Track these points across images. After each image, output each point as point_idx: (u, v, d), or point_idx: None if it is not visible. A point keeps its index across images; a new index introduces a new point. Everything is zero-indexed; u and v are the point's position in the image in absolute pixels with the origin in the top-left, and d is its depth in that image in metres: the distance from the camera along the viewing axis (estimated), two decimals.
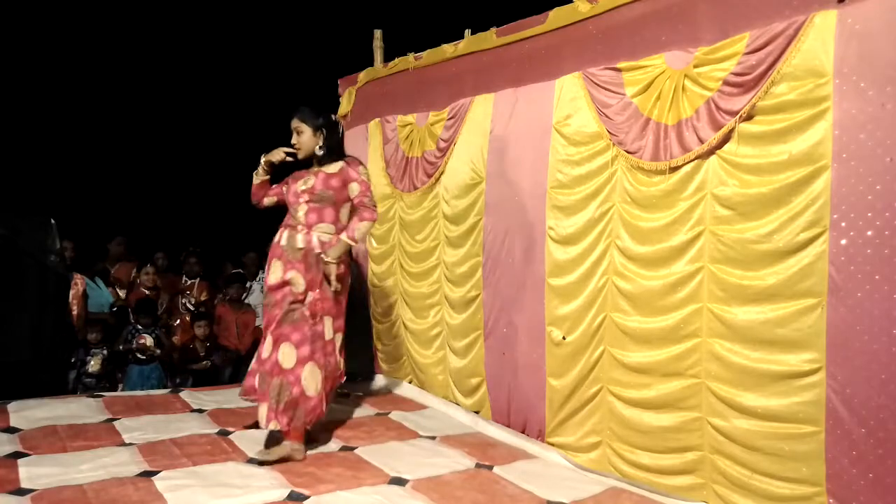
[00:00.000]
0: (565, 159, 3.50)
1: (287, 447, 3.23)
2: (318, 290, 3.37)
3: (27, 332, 4.33)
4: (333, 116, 3.58)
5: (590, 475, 3.27)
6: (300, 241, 3.38)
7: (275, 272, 3.39)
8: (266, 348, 3.36)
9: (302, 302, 3.34)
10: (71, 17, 8.28)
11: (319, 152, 3.45)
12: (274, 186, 3.64)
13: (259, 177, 3.60)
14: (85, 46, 8.36)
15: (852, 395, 2.49)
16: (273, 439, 3.37)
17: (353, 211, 3.48)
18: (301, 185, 3.46)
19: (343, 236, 3.39)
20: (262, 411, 3.26)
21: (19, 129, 7.95)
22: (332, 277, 3.35)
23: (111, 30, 8.52)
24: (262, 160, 3.56)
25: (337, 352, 3.52)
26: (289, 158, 3.50)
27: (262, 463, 3.15)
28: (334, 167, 3.45)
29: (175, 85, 8.93)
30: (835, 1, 2.52)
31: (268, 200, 3.65)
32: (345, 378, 3.65)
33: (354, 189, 3.44)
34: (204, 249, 6.59)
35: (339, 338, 3.53)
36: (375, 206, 3.48)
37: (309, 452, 3.34)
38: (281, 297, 3.35)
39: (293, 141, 3.48)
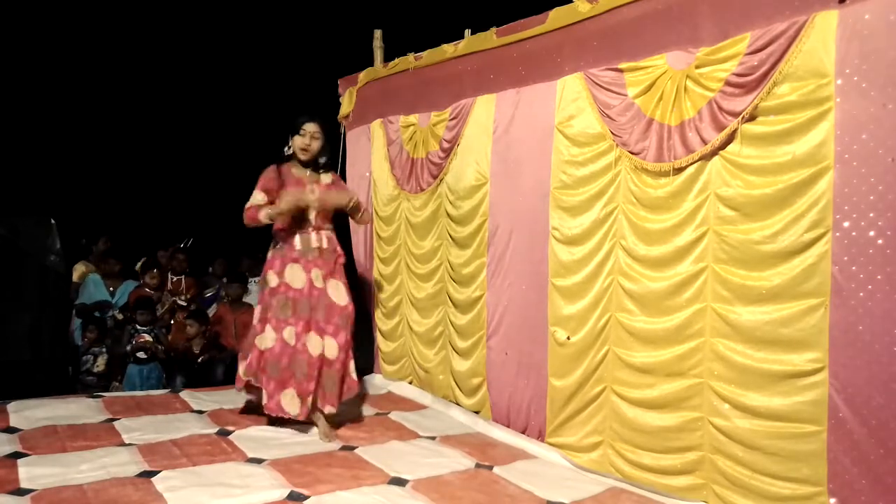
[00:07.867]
0: (569, 160, 3.50)
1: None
2: (337, 276, 3.81)
3: (27, 332, 4.33)
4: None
5: (590, 475, 3.27)
6: (314, 241, 3.76)
7: (298, 276, 3.71)
8: (311, 344, 3.66)
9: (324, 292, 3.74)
10: (71, 19, 8.29)
11: (322, 160, 3.86)
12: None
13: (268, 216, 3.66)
14: (85, 48, 8.37)
15: (854, 394, 2.49)
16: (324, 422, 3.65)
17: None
18: (309, 195, 3.76)
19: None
20: (301, 400, 3.58)
21: (19, 130, 7.95)
22: (353, 201, 3.84)
23: (111, 30, 8.54)
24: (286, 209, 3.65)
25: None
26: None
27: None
28: (328, 177, 3.90)
29: (175, 85, 8.94)
30: (836, 1, 2.51)
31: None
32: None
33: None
34: (201, 247, 6.58)
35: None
36: None
37: (309, 452, 3.35)
38: (317, 299, 3.71)
39: (307, 143, 3.77)
